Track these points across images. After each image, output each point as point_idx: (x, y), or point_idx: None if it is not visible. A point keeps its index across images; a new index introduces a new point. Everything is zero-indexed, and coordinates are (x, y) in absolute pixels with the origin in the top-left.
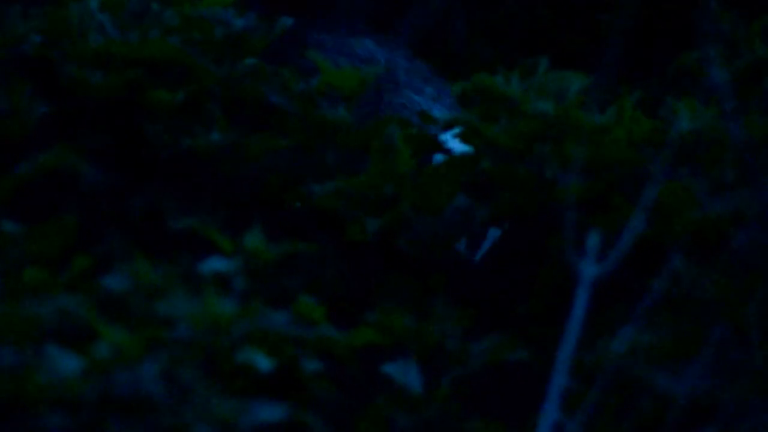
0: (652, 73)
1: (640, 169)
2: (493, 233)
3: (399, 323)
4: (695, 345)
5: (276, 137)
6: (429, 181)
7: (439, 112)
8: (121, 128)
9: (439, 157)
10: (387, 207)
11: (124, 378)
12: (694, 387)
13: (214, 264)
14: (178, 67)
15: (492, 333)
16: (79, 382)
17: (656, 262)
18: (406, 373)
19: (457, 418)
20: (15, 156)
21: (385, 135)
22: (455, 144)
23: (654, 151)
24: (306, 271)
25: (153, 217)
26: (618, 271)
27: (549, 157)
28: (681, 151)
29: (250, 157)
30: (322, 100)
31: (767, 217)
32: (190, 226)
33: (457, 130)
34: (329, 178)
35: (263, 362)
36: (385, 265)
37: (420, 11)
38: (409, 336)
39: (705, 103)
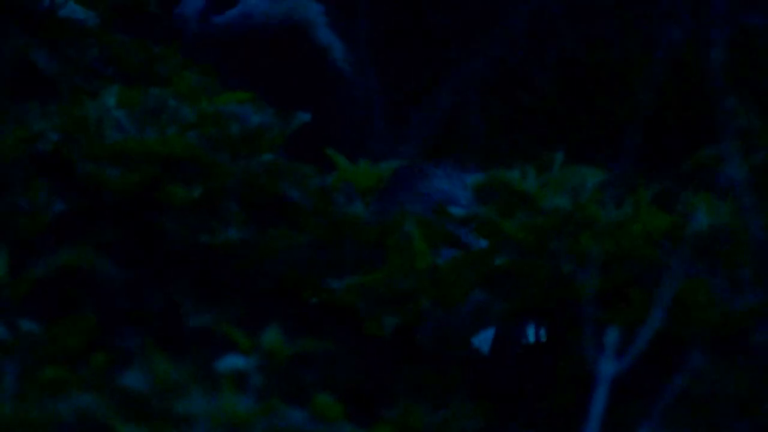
0: (669, 166)
1: (658, 264)
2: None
3: (418, 420)
4: None
5: (293, 233)
6: (446, 276)
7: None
8: (138, 224)
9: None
10: (404, 302)
11: None
12: None
13: (232, 362)
14: (195, 163)
15: (511, 428)
16: None
17: (675, 358)
18: None
19: None
20: (32, 253)
21: (402, 231)
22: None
23: (671, 246)
24: (323, 366)
25: (170, 314)
26: (637, 367)
27: (566, 252)
28: (699, 247)
29: (268, 253)
30: (339, 195)
31: None
32: (207, 324)
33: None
34: (347, 273)
35: None
36: (402, 360)
37: (435, 104)
38: None
39: (722, 199)
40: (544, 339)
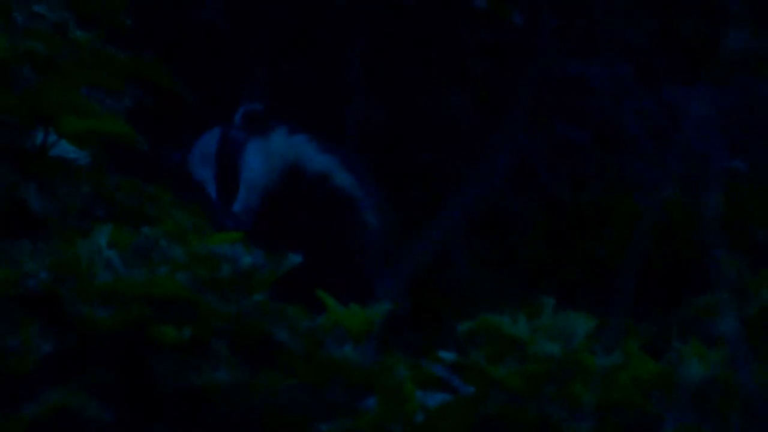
0: (658, 313)
1: (648, 412)
2: None
3: None
4: None
5: (281, 376)
6: (436, 421)
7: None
8: (127, 364)
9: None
10: None
11: None
12: None
13: None
14: (185, 304)
15: None
16: None
17: None
18: None
19: None
20: (21, 392)
21: (392, 375)
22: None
23: (661, 394)
24: None
25: None
26: None
27: (557, 399)
28: (690, 396)
29: (256, 395)
30: (329, 338)
31: None
32: None
33: None
34: (335, 417)
35: None
36: None
37: (421, 247)
38: None
39: (711, 348)
40: None
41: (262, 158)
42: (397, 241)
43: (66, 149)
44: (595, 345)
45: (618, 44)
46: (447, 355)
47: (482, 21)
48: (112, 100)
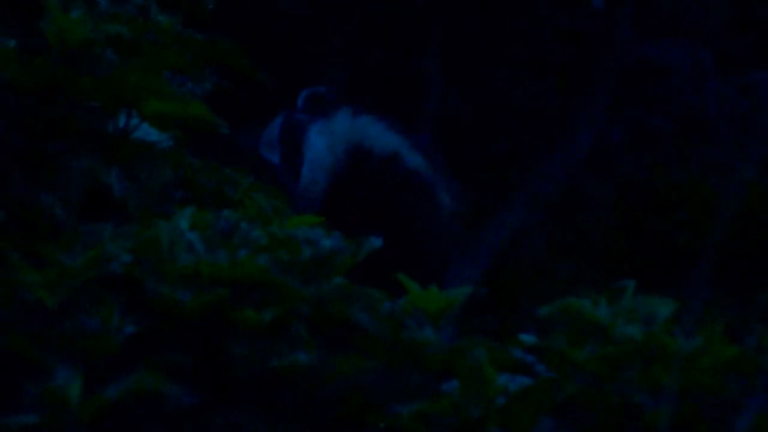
0: (740, 298)
1: (728, 397)
2: None
3: None
4: None
5: (361, 358)
6: (515, 405)
7: None
8: (207, 347)
9: None
10: (472, 430)
11: None
12: None
13: None
14: (266, 286)
15: None
16: None
17: None
18: None
19: None
20: (102, 373)
21: (472, 357)
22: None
23: (742, 379)
24: None
25: None
26: None
27: (637, 382)
28: None
29: (335, 377)
30: (409, 320)
31: None
32: None
33: None
34: (413, 399)
35: None
36: None
37: (501, 226)
38: None
39: None
40: None
41: (325, 139)
42: (472, 224)
43: (148, 132)
44: (676, 329)
45: (697, 28)
46: (527, 338)
47: (561, 5)
48: (192, 84)
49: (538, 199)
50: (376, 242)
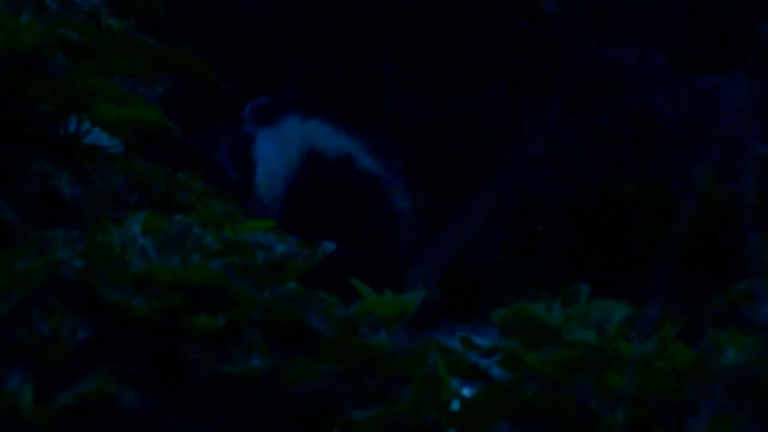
0: (695, 302)
1: (682, 400)
2: None
3: None
4: None
5: (316, 363)
6: (471, 409)
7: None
8: (161, 353)
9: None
10: None
11: None
12: None
13: None
14: (219, 291)
15: None
16: None
17: None
18: None
19: None
20: (54, 380)
21: (427, 362)
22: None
23: (697, 382)
24: None
25: None
26: None
27: (591, 387)
28: (725, 384)
29: (290, 383)
30: (363, 326)
31: None
32: None
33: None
34: (369, 404)
35: None
36: None
37: (457, 232)
38: None
39: (747, 336)
40: None
41: (275, 145)
42: (430, 227)
43: (99, 137)
44: (630, 333)
45: (652, 32)
46: (482, 342)
47: (516, 9)
48: (144, 88)
49: (495, 202)
50: (330, 246)
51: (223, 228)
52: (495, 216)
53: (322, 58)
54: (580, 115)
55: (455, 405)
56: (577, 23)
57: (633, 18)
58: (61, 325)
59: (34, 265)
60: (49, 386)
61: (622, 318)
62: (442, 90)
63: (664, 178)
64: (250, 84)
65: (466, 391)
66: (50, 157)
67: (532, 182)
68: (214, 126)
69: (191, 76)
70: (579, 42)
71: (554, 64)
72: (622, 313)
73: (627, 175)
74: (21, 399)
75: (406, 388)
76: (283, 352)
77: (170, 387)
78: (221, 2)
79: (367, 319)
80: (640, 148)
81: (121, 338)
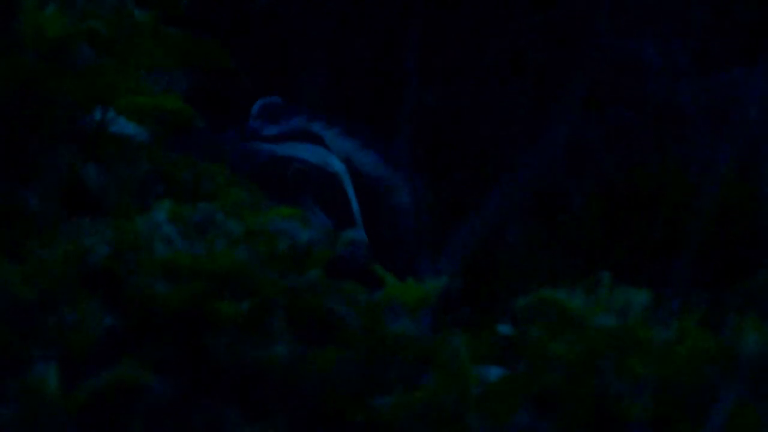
0: (716, 291)
1: (704, 387)
2: None
3: None
4: None
5: (339, 351)
6: (494, 396)
7: None
8: (185, 339)
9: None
10: (451, 422)
11: None
12: None
13: None
14: (243, 278)
15: None
16: None
17: None
18: None
19: None
20: (80, 367)
21: (449, 349)
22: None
23: (718, 369)
24: None
25: (216, 429)
26: None
27: (613, 373)
28: (747, 371)
29: (313, 370)
30: (386, 313)
31: None
32: None
33: None
34: (391, 391)
35: None
36: None
37: (477, 223)
38: None
39: None
40: None
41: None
42: (451, 219)
43: (124, 126)
44: (652, 319)
45: (674, 25)
46: (504, 329)
47: (536, 1)
48: (169, 80)
49: (515, 194)
50: (351, 234)
51: (246, 216)
52: (515, 207)
53: (343, 52)
54: (601, 107)
55: (477, 391)
56: (599, 15)
57: (655, 10)
58: (87, 313)
59: (60, 253)
60: (75, 373)
61: (643, 304)
62: (462, 82)
63: (685, 169)
64: (263, 80)
65: (494, 372)
66: (76, 147)
67: (553, 174)
68: (239, 116)
69: (215, 68)
70: (600, 34)
71: (575, 56)
72: (644, 300)
73: (648, 166)
74: (47, 386)
75: (428, 374)
76: (306, 339)
77: (195, 374)
78: None
79: (390, 307)
80: (661, 140)
81: (145, 325)
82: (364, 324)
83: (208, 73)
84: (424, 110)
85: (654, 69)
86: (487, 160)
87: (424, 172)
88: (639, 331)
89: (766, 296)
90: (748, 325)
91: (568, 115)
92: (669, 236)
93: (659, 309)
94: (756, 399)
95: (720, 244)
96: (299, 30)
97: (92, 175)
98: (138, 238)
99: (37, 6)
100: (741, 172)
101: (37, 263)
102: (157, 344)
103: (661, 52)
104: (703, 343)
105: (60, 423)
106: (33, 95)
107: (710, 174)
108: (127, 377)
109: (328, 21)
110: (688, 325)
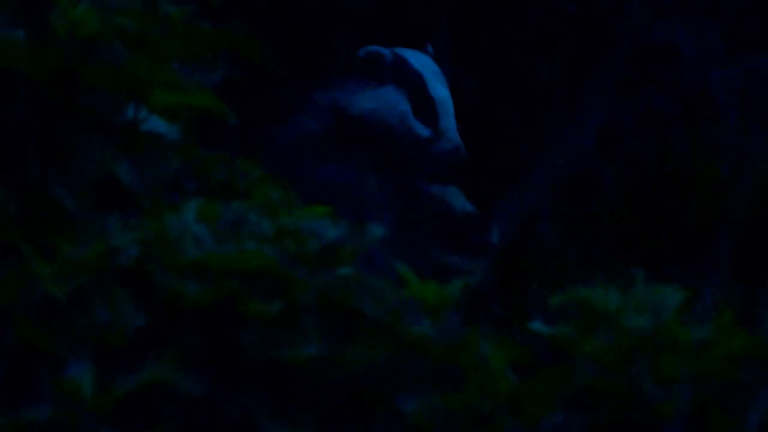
0: (752, 284)
1: (741, 385)
2: None
3: None
4: None
5: (369, 350)
6: (526, 396)
7: None
8: (217, 339)
9: None
10: (483, 424)
11: None
12: None
13: None
14: (273, 278)
15: None
16: None
17: None
18: None
19: None
20: (112, 365)
21: (476, 351)
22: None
23: (755, 367)
24: None
25: (247, 427)
26: None
27: (647, 372)
28: None
29: (344, 369)
30: (408, 313)
31: None
32: None
33: None
34: (420, 391)
35: None
36: None
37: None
38: None
39: None
40: None
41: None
42: (480, 208)
43: (157, 124)
44: (687, 317)
45: (706, 10)
46: (537, 326)
47: None
48: (201, 74)
49: (548, 182)
50: (377, 230)
51: (278, 214)
52: (548, 195)
53: (375, 39)
54: (633, 93)
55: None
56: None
57: None
58: (119, 312)
59: (92, 252)
60: (109, 373)
61: (677, 303)
62: (494, 68)
63: (717, 157)
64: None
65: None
66: (108, 145)
67: (585, 162)
68: (272, 111)
69: (249, 61)
70: (633, 19)
71: (608, 41)
72: (678, 298)
73: (681, 154)
74: (82, 385)
75: (455, 375)
76: (336, 337)
77: (226, 373)
78: None
79: (415, 307)
80: (694, 128)
81: (176, 325)
82: (387, 323)
83: (242, 63)
84: (455, 97)
85: (686, 54)
86: (520, 147)
87: None
88: (673, 331)
89: None
90: None
91: (600, 102)
92: (702, 225)
93: (695, 305)
94: None
95: (756, 235)
96: (329, 18)
97: (125, 172)
98: (168, 237)
99: (72, 2)
100: None
101: (68, 262)
102: (189, 343)
103: (693, 37)
104: (740, 341)
105: (94, 422)
106: (66, 91)
107: (743, 161)
108: (160, 376)
109: (359, 7)
110: (724, 323)
